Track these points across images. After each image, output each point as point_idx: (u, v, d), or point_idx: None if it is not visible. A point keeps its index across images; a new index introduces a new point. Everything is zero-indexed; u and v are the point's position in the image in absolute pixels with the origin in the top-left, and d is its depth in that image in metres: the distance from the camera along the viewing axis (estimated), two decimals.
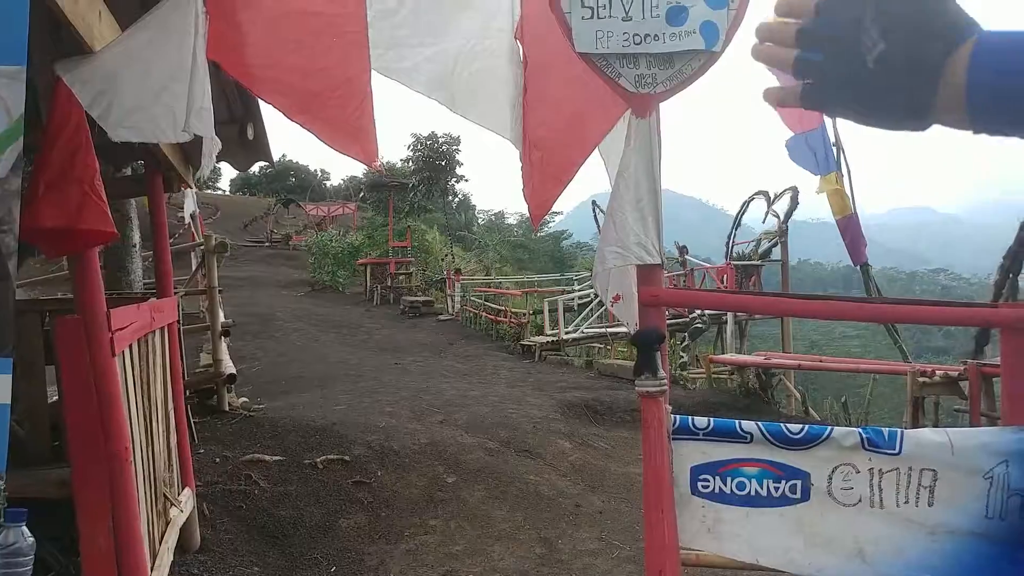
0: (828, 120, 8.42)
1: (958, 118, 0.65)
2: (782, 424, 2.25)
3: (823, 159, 8.07)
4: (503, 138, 2.57)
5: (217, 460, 5.84)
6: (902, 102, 0.65)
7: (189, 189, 5.15)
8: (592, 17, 2.42)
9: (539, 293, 18.64)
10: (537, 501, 5.85)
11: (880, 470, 2.18)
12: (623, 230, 2.41)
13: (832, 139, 8.35)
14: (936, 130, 0.67)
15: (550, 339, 14.07)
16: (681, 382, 10.51)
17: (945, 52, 0.63)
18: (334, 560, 4.77)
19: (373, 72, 2.53)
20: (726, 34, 2.50)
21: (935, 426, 7.13)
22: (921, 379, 6.55)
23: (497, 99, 2.51)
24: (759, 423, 2.24)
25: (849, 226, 8.39)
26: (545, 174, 2.56)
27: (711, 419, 2.26)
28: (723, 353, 12.47)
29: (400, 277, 23.01)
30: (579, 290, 16.42)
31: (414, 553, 4.92)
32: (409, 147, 36.23)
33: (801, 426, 2.25)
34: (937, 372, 6.73)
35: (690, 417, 2.25)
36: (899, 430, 2.25)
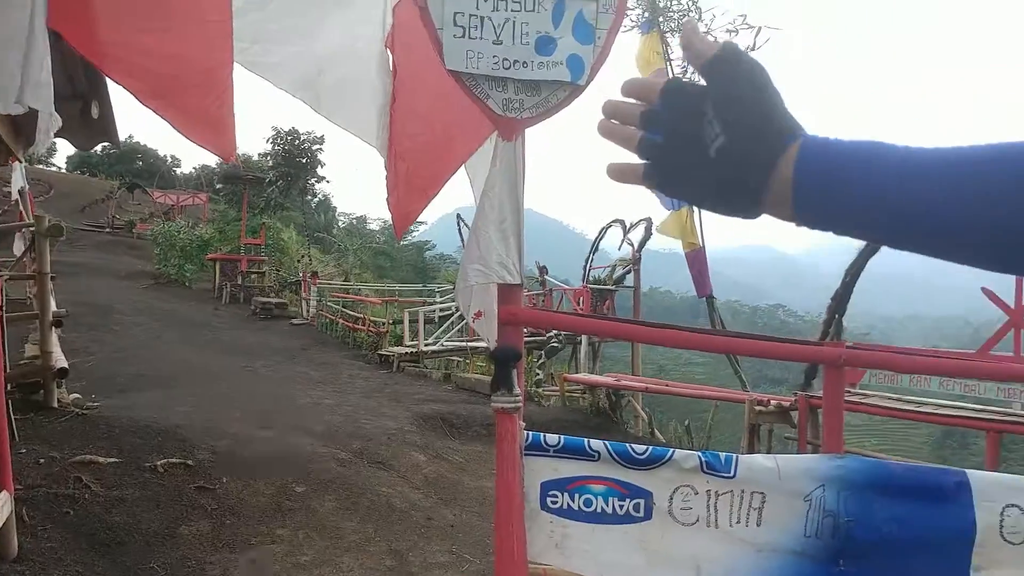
0: None
1: (785, 212, 0.70)
2: (628, 444, 2.34)
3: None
4: (369, 145, 2.54)
5: (42, 461, 5.38)
6: (736, 193, 0.69)
7: (18, 163, 4.76)
8: (463, 36, 2.44)
9: (399, 303, 18.48)
10: (389, 513, 5.77)
11: (717, 492, 2.30)
12: (486, 249, 2.43)
13: None
14: None
15: (409, 350, 13.96)
16: (536, 399, 10.69)
17: (777, 152, 0.67)
18: (173, 570, 4.49)
19: (236, 65, 2.44)
20: (591, 69, 2.59)
21: (768, 452, 7.61)
22: (757, 408, 6.98)
23: (364, 105, 2.48)
24: (607, 443, 2.31)
25: (696, 260, 8.83)
26: (411, 186, 2.55)
27: (562, 436, 2.31)
28: (577, 372, 12.80)
29: (252, 276, 22.13)
30: (440, 302, 16.41)
31: (259, 563, 4.73)
32: (269, 140, 34.09)
33: (646, 447, 2.35)
34: (772, 402, 7.19)
35: (542, 434, 2.30)
36: (735, 455, 2.39)
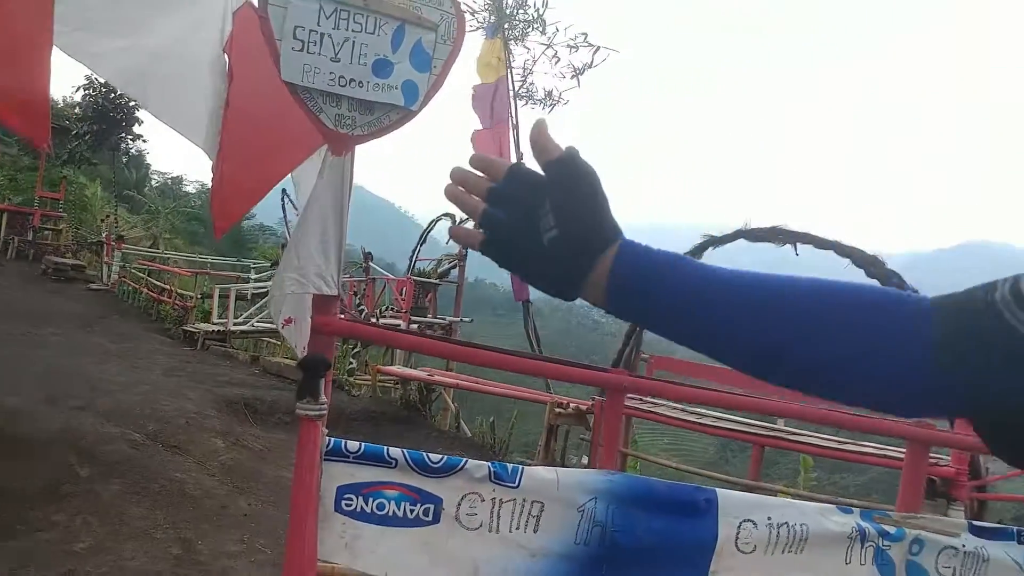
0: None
1: (600, 303, 0.82)
2: (424, 453, 2.51)
3: None
4: (195, 145, 2.55)
5: None
6: (560, 280, 0.81)
7: None
8: (302, 50, 2.51)
9: (211, 276, 17.66)
10: (181, 500, 5.60)
11: (501, 500, 2.53)
12: (305, 259, 2.51)
13: None
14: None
15: (217, 328, 13.40)
16: (347, 388, 10.64)
17: (598, 251, 0.78)
18: None
19: (55, 48, 2.37)
20: (425, 96, 2.74)
21: (563, 451, 8.07)
22: (557, 409, 7.40)
23: (194, 106, 2.48)
24: (405, 451, 2.47)
25: None
26: (237, 188, 2.58)
27: (363, 443, 2.44)
28: (392, 363, 12.85)
29: (46, 232, 20.24)
30: (255, 279, 15.83)
31: (29, 551, 4.46)
32: (80, 88, 30.82)
33: (441, 457, 2.53)
34: (571, 405, 7.65)
35: (343, 440, 2.41)
36: (520, 467, 2.63)
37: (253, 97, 2.55)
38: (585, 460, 8.25)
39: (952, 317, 0.67)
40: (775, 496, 7.61)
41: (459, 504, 2.50)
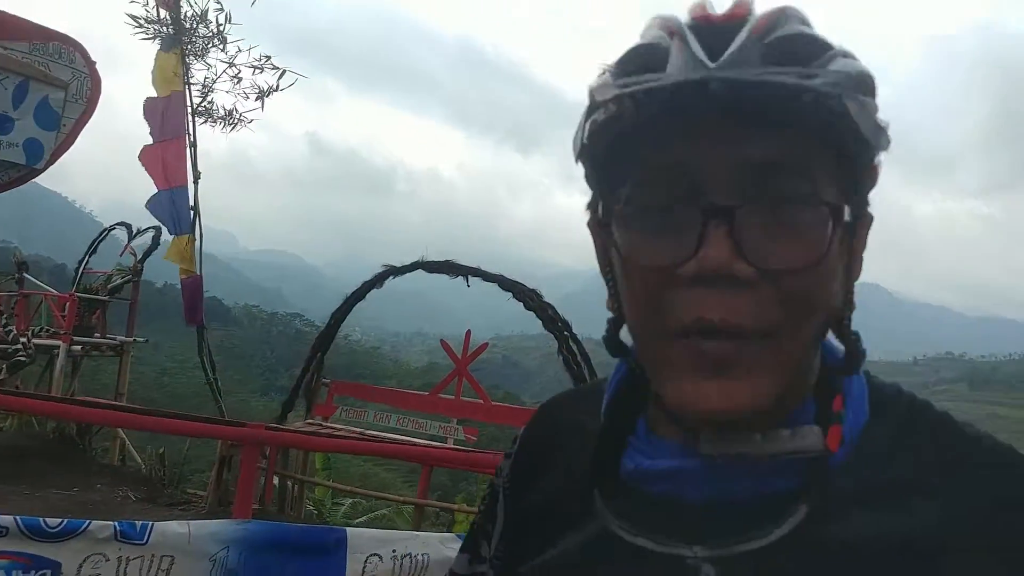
0: (191, 183, 8.89)
1: None
2: (41, 519, 2.49)
3: (179, 220, 8.41)
4: None
5: None
6: None
7: None
8: None
9: None
10: None
11: (128, 558, 2.59)
12: None
13: (192, 203, 8.79)
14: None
15: None
16: None
17: None
18: None
19: None
20: (52, 154, 2.74)
21: (233, 478, 7.93)
22: (230, 441, 7.29)
23: None
24: (17, 518, 2.43)
25: (190, 287, 8.82)
26: None
27: None
28: (50, 390, 11.58)
29: None
30: None
31: None
32: None
33: (60, 520, 2.53)
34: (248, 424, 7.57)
35: None
36: (151, 523, 2.70)
37: None
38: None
39: None
40: (442, 511, 8.18)
41: (80, 566, 2.51)
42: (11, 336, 11.22)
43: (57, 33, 2.64)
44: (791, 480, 0.63)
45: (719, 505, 0.64)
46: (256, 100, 9.90)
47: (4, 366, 11.06)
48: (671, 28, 0.60)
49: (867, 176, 0.65)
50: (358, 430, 8.44)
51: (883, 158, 0.64)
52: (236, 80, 9.71)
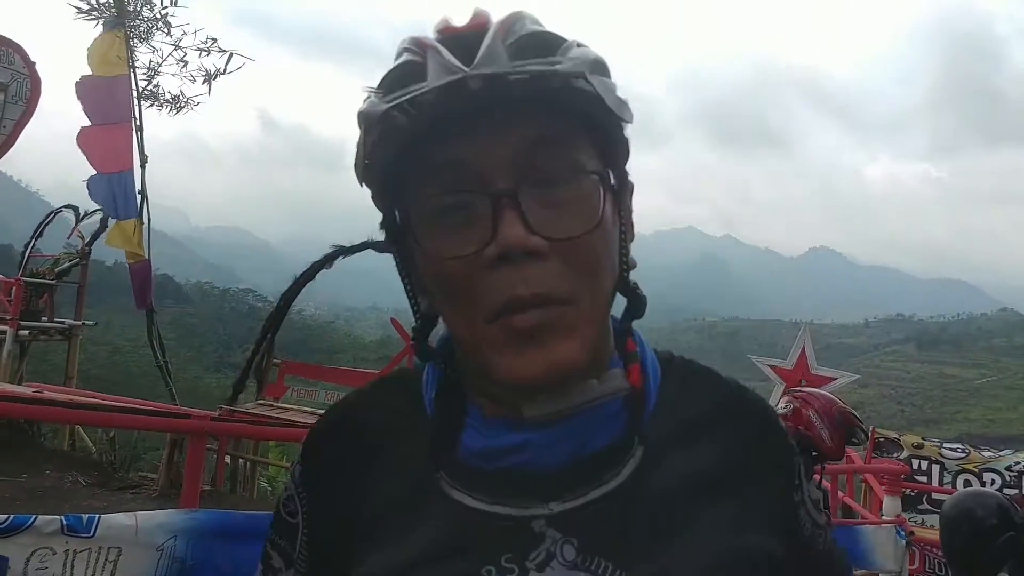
0: (138, 167, 8.78)
1: None
2: None
3: (123, 205, 8.30)
4: None
5: None
6: None
7: None
8: None
9: None
10: None
11: (75, 551, 2.68)
12: None
13: (139, 187, 8.68)
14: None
15: None
16: None
17: None
18: None
19: None
20: None
21: (184, 459, 7.96)
22: (176, 433, 7.31)
23: None
24: None
25: (139, 271, 8.74)
26: None
27: None
28: None
29: None
30: None
31: None
32: None
33: (6, 517, 2.61)
34: (194, 416, 7.60)
35: None
36: (97, 516, 2.79)
37: None
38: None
39: None
40: None
41: (28, 560, 2.59)
42: None
43: None
44: (619, 433, 0.72)
45: (565, 467, 0.70)
46: (203, 83, 9.81)
47: None
48: (423, 44, 0.66)
49: (621, 146, 0.74)
50: (309, 409, 8.50)
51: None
52: (182, 63, 9.60)
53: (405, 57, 0.67)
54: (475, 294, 0.66)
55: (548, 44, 0.67)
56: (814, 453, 3.01)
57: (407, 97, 0.64)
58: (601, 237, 0.68)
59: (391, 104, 0.65)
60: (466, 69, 0.62)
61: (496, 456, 0.72)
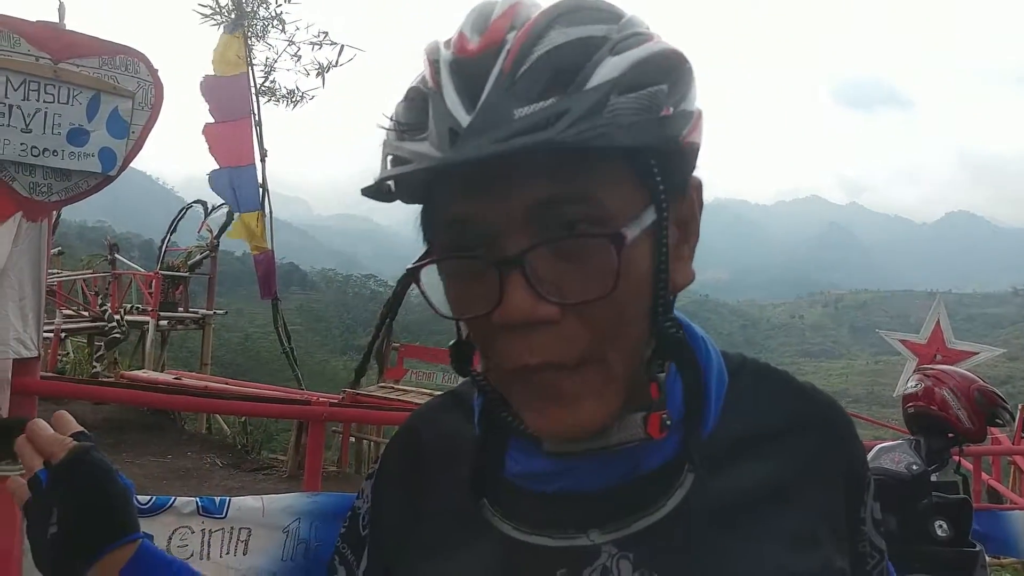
0: (259, 161, 9.19)
1: None
2: (133, 496, 2.75)
3: (245, 198, 8.69)
4: None
5: None
6: (63, 572, 0.80)
7: None
8: None
9: None
10: None
11: (210, 530, 2.85)
12: (3, 326, 2.64)
13: (260, 181, 9.08)
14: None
15: None
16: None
17: (101, 547, 0.78)
18: None
19: None
20: (124, 160, 2.93)
21: None
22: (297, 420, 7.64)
23: None
24: None
25: (263, 262, 9.14)
26: None
27: None
28: (143, 365, 12.29)
29: None
30: None
31: None
32: None
33: (150, 498, 2.79)
34: (320, 400, 7.94)
35: None
36: (228, 499, 2.95)
37: None
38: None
39: None
40: None
41: (170, 538, 2.78)
42: (107, 315, 11.94)
43: (123, 46, 2.81)
44: (673, 453, 0.68)
45: (613, 490, 0.67)
46: (317, 76, 10.15)
47: (103, 343, 11.82)
48: (433, 71, 0.61)
49: (673, 159, 0.63)
50: (428, 391, 8.71)
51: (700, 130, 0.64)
52: (296, 58, 9.97)
53: (419, 80, 0.63)
54: (493, 349, 0.63)
55: (572, 61, 0.57)
56: (950, 435, 2.81)
57: (401, 172, 0.60)
58: (625, 292, 0.60)
59: (391, 169, 0.62)
60: (463, 126, 0.56)
61: (541, 479, 0.70)
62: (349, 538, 0.84)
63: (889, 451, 2.77)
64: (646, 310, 0.64)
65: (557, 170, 0.58)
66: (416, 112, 0.62)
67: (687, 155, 0.65)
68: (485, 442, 0.73)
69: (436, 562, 0.73)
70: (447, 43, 0.62)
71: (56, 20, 2.75)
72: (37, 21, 2.67)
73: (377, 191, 0.63)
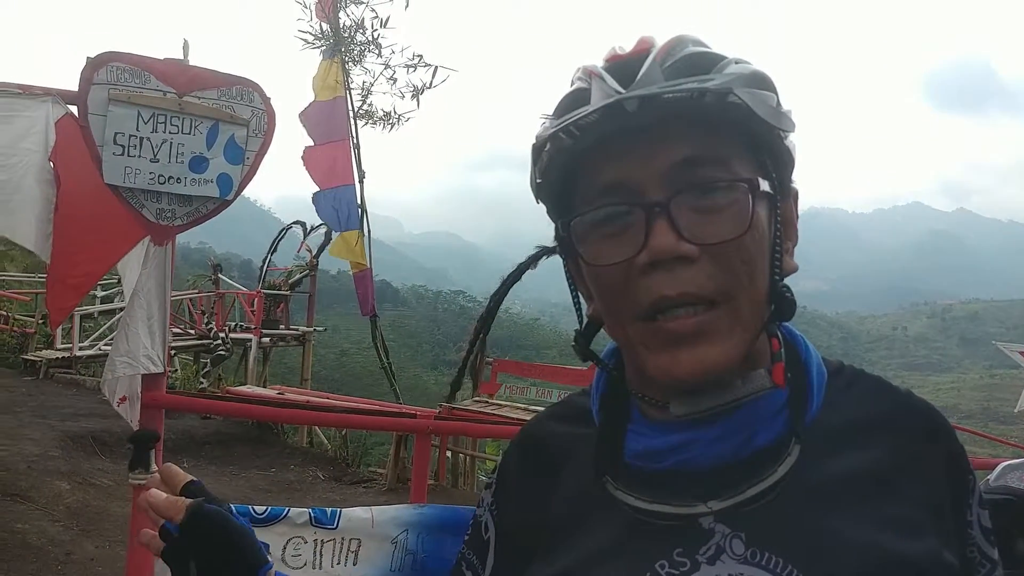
0: (357, 182, 9.47)
1: None
2: (249, 507, 2.88)
3: (346, 218, 8.97)
4: (30, 249, 2.78)
5: None
6: None
7: None
8: (123, 154, 2.80)
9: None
10: (23, 552, 5.39)
11: (322, 540, 2.94)
12: (134, 343, 2.81)
13: (358, 201, 9.36)
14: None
15: (61, 354, 12.68)
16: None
17: None
18: None
19: None
20: (239, 185, 3.09)
21: (409, 455, 8.49)
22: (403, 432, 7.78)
23: (24, 213, 2.70)
24: (232, 506, 2.82)
25: (362, 280, 9.41)
26: (66, 285, 2.83)
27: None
28: (245, 379, 12.78)
29: None
30: (101, 296, 14.91)
31: None
32: None
33: (265, 508, 2.90)
34: (419, 415, 8.08)
35: None
36: (339, 510, 3.04)
37: (80, 199, 2.78)
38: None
39: None
40: None
41: (284, 548, 2.88)
42: (212, 333, 12.53)
43: (238, 77, 2.98)
44: (778, 434, 0.74)
45: (724, 468, 0.73)
46: (412, 99, 10.41)
47: (208, 360, 12.41)
48: (590, 71, 0.72)
49: (782, 155, 0.76)
50: (522, 405, 8.76)
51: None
52: (392, 81, 10.26)
53: (575, 85, 0.75)
54: (628, 296, 0.72)
55: (706, 63, 0.71)
56: None
57: (571, 120, 0.71)
58: (753, 241, 0.71)
59: (557, 127, 0.73)
60: (623, 91, 0.68)
61: (658, 456, 0.76)
62: (473, 544, 0.93)
63: (1016, 469, 2.64)
64: (767, 270, 0.74)
65: (697, 135, 0.71)
66: (575, 102, 0.73)
67: (790, 156, 0.77)
68: (606, 426, 0.81)
69: (569, 538, 0.79)
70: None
71: (180, 56, 2.92)
72: (164, 59, 2.84)
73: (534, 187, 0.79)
